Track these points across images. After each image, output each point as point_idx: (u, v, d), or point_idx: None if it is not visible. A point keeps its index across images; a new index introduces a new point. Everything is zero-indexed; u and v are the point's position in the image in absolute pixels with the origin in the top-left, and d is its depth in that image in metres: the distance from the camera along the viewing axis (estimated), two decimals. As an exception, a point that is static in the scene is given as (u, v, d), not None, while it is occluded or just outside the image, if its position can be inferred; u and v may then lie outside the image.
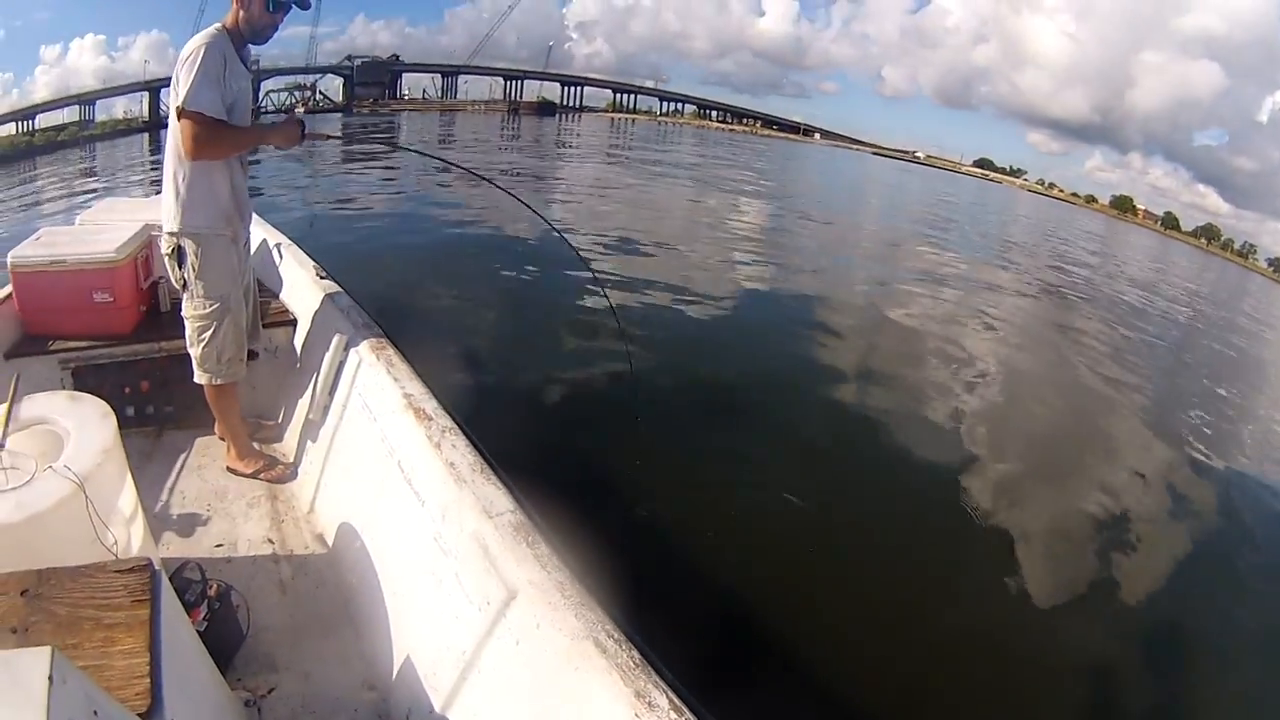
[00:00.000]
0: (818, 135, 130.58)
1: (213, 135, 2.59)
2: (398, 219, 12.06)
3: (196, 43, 2.57)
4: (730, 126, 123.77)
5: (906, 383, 7.58)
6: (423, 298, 7.42)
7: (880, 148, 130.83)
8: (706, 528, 4.34)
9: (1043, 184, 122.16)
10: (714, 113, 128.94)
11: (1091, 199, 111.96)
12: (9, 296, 3.45)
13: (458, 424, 2.48)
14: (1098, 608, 4.49)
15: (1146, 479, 6.33)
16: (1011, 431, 6.77)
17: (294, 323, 3.76)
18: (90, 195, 16.78)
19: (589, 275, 7.60)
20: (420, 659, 2.10)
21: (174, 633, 1.40)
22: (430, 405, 2.58)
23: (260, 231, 4.38)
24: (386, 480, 2.55)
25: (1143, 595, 4.67)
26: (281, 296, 4.01)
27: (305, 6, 2.86)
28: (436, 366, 3.32)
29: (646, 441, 5.04)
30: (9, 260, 3.40)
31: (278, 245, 4.33)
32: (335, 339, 3.18)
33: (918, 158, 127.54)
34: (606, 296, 7.23)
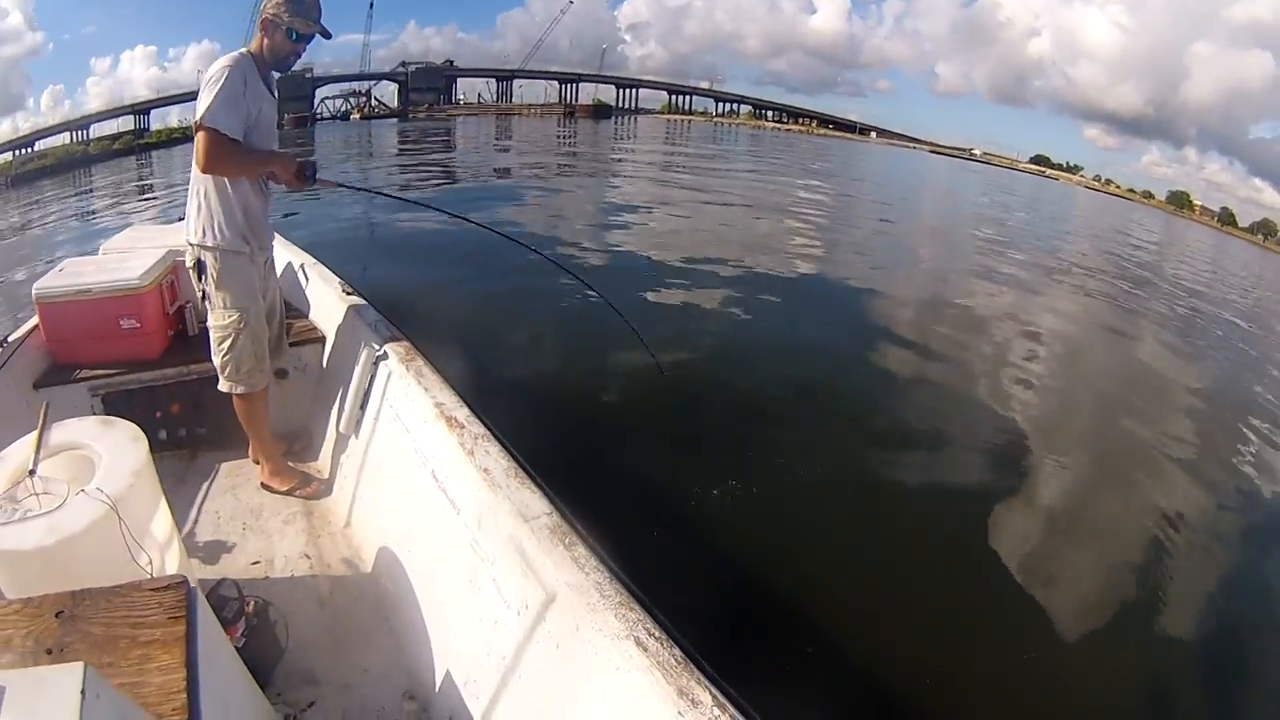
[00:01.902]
0: (874, 134, 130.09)
1: (224, 152, 2.71)
2: (428, 230, 12.10)
3: (220, 64, 2.70)
4: (786, 126, 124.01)
5: (957, 385, 7.40)
6: (450, 307, 7.48)
7: (937, 145, 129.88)
8: (744, 524, 4.33)
9: (1099, 180, 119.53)
10: (769, 113, 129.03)
11: (1149, 195, 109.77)
12: (35, 328, 3.56)
13: (490, 430, 2.51)
14: (1139, 634, 4.33)
15: (1201, 500, 6.05)
16: (1061, 439, 6.52)
17: (323, 340, 3.84)
18: (148, 205, 17.14)
19: (620, 275, 7.60)
20: (460, 667, 2.13)
21: (211, 649, 1.44)
22: (462, 413, 2.61)
23: (286, 254, 4.49)
24: (421, 490, 2.58)
25: (1192, 632, 4.45)
26: (310, 316, 4.09)
27: (328, 36, 2.99)
28: (466, 375, 3.40)
29: (681, 441, 5.04)
30: (34, 292, 3.50)
31: (303, 266, 4.42)
32: (364, 353, 3.24)
33: (975, 155, 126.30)
34: (642, 297, 7.24)
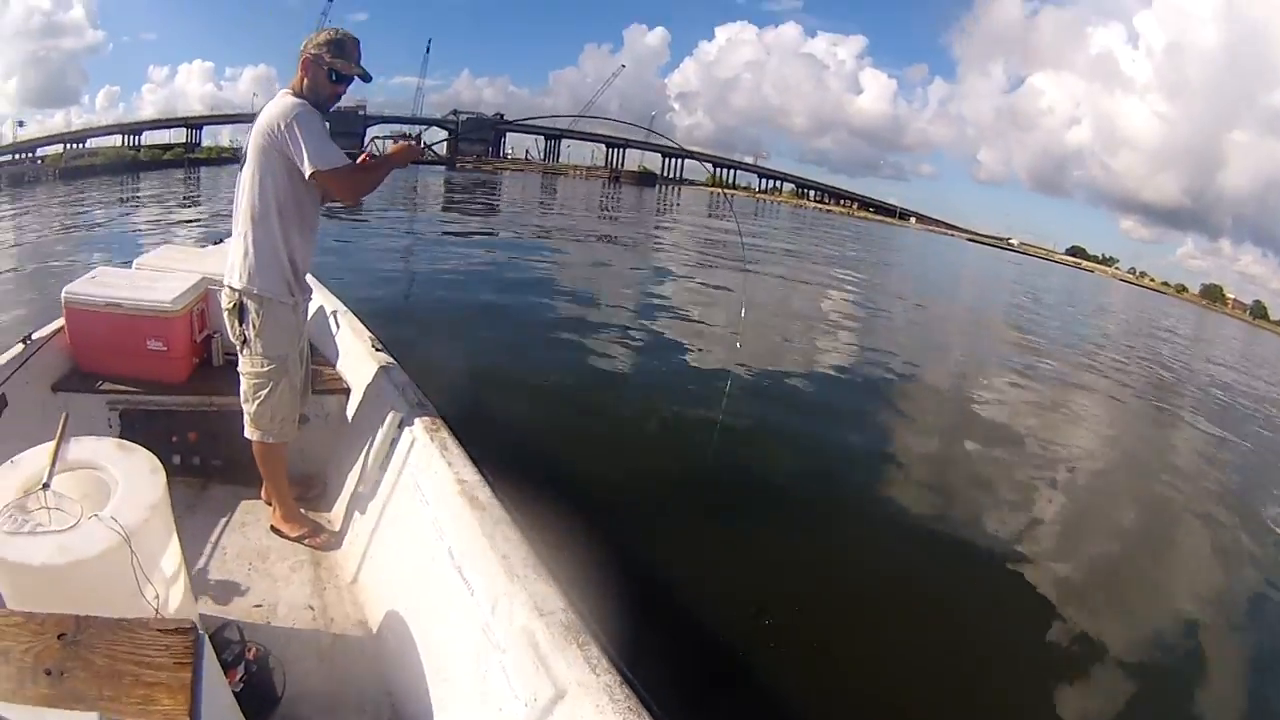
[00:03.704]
0: (914, 219, 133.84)
1: (354, 180, 2.90)
2: (475, 280, 12.19)
3: (288, 109, 2.79)
4: (827, 206, 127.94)
5: (983, 474, 7.39)
6: (481, 370, 7.42)
7: (976, 234, 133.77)
8: (767, 630, 4.23)
9: (1134, 273, 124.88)
10: (811, 191, 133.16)
11: (1182, 288, 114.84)
12: (61, 330, 3.65)
13: (511, 515, 2.50)
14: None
15: (1225, 606, 6.00)
16: (1085, 536, 6.51)
17: (347, 392, 3.86)
18: (188, 224, 17.55)
19: (661, 356, 7.60)
20: None
21: (213, 696, 1.43)
22: (484, 494, 2.60)
23: (318, 297, 4.54)
24: (435, 563, 2.56)
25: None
26: (337, 365, 4.13)
27: (367, 79, 3.08)
28: (490, 444, 3.34)
29: (708, 542, 4.97)
30: (64, 295, 3.61)
31: (334, 312, 4.49)
32: (389, 415, 3.26)
33: (1012, 245, 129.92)
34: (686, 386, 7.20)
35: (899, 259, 39.34)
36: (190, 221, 19.59)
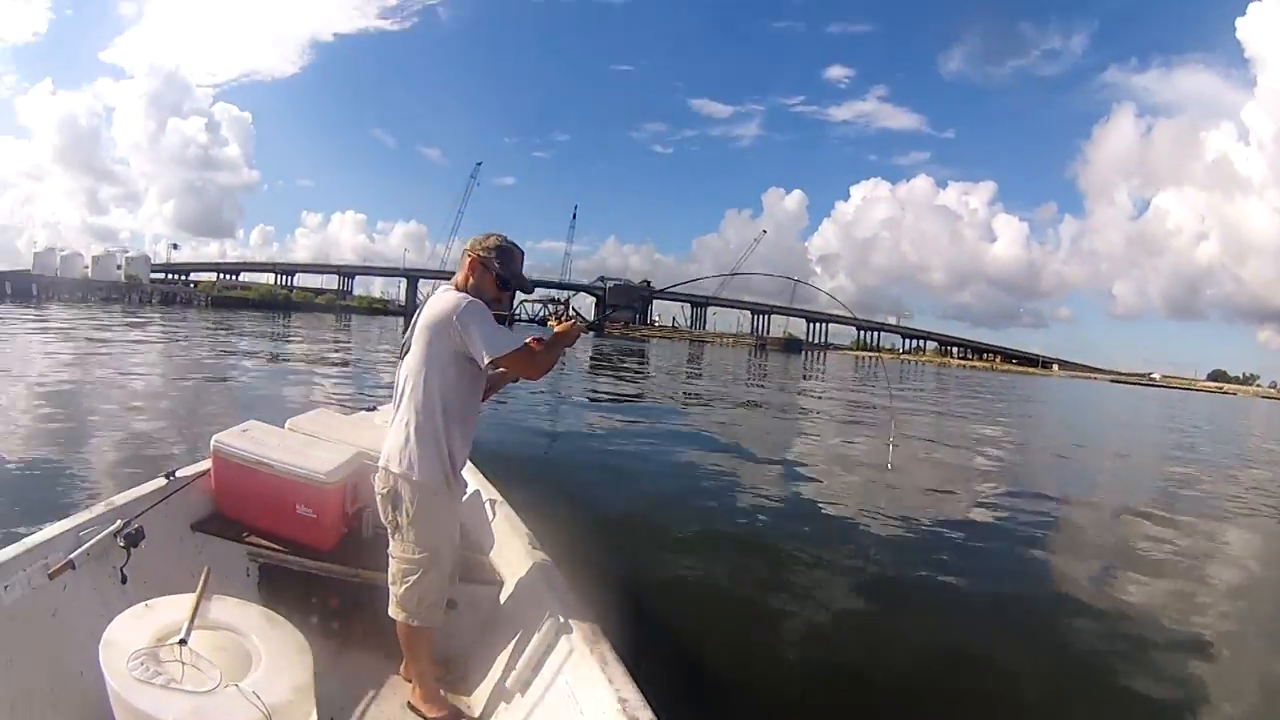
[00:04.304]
0: (1056, 366, 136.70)
1: (535, 358, 3.00)
2: (640, 468, 11.91)
3: (458, 301, 2.91)
4: (971, 363, 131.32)
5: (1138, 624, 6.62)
6: (643, 574, 6.48)
7: (1118, 374, 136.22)
8: None
9: (1276, 387, 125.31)
10: (954, 349, 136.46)
11: None
12: (206, 473, 3.75)
13: None
14: None
15: None
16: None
17: (499, 584, 3.74)
18: (338, 380, 18.48)
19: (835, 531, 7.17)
20: None
21: None
22: (645, 715, 2.42)
23: (475, 483, 4.53)
24: None
25: None
26: (490, 555, 4.02)
27: (529, 290, 3.31)
28: (650, 656, 3.15)
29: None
30: (214, 443, 3.74)
31: (491, 501, 4.40)
32: (546, 617, 3.12)
33: (1154, 380, 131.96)
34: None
35: (1044, 410, 37.47)
36: (341, 376, 20.37)
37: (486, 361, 2.86)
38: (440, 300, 2.97)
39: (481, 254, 3.07)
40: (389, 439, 3.03)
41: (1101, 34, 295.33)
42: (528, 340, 3.01)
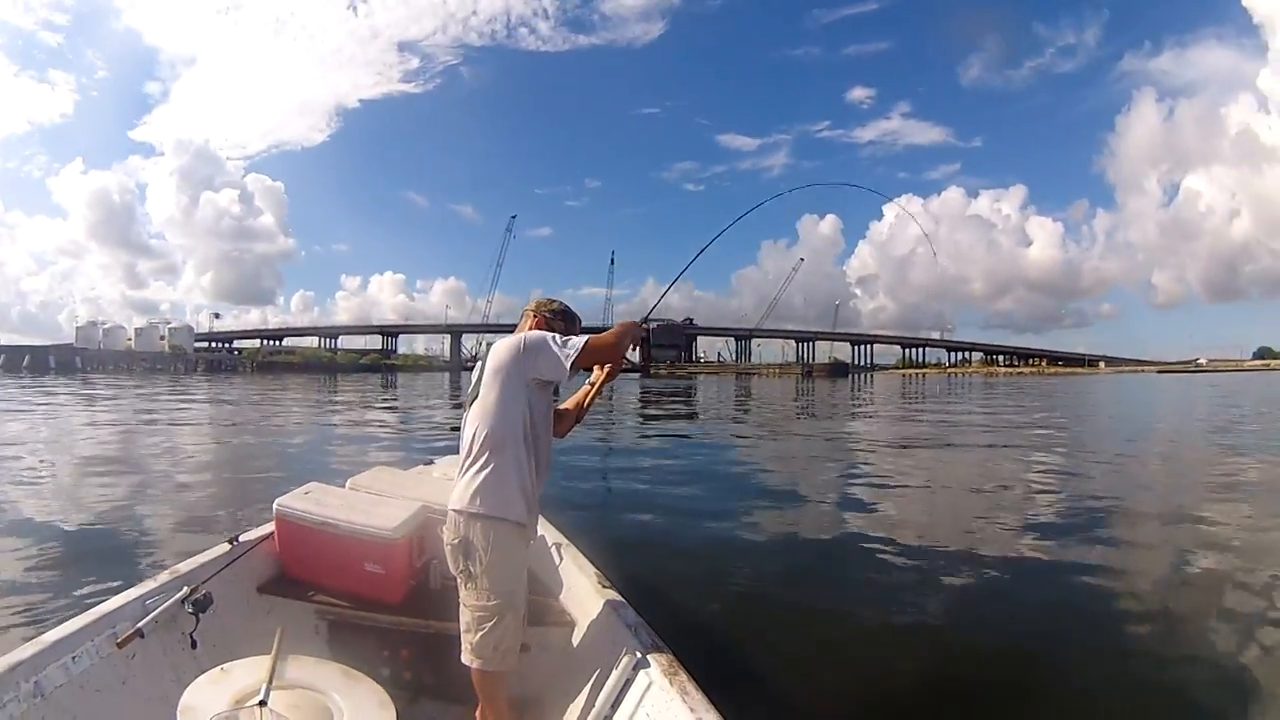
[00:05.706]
0: (1102, 364, 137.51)
1: (604, 343, 3.13)
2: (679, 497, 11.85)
3: (523, 335, 3.09)
4: (1018, 369, 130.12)
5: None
6: (711, 601, 6.55)
7: (1165, 364, 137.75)
8: None
9: None
10: (999, 357, 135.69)
11: None
12: (270, 536, 3.83)
13: None
14: None
15: None
16: None
17: (571, 626, 3.75)
18: (390, 440, 18.59)
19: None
20: None
21: None
22: None
23: (540, 527, 4.48)
24: None
25: None
26: (560, 597, 4.03)
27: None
28: (733, 695, 3.13)
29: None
30: (275, 506, 3.83)
31: (557, 545, 4.40)
32: (623, 657, 3.11)
33: (1201, 366, 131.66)
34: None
35: (1093, 410, 36.52)
36: (393, 433, 20.59)
37: (569, 364, 2.95)
38: (503, 342, 3.11)
39: (547, 314, 3.30)
40: (461, 485, 3.05)
41: (1113, 22, 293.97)
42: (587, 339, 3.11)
